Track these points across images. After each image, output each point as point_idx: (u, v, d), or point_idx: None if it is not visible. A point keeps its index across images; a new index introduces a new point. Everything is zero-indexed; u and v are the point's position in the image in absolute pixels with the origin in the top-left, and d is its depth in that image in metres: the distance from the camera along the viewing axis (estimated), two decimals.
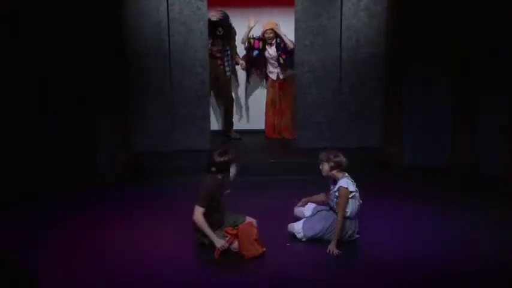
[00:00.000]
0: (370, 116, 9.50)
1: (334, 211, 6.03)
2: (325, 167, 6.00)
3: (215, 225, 5.87)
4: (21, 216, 6.88)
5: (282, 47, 10.03)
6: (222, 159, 5.86)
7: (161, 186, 8.23)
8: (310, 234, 6.02)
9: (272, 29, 10.01)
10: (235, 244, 5.74)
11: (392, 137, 9.41)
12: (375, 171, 9.02)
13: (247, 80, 10.66)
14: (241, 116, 11.05)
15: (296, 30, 9.40)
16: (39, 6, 8.09)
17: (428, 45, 9.10)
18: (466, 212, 6.98)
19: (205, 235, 5.80)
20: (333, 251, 5.75)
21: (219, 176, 5.90)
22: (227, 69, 10.13)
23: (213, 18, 9.69)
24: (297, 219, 6.39)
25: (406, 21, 9.06)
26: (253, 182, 7.90)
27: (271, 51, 10.15)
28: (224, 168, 5.87)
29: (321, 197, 6.54)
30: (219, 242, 5.67)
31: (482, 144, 8.84)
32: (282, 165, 8.94)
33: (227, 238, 5.75)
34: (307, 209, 6.50)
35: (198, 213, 5.75)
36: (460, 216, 6.82)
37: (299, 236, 6.09)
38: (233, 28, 10.22)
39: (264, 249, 5.71)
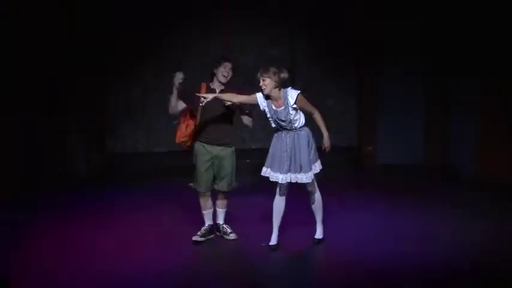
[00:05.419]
0: (345, 115, 9.54)
1: (285, 129, 5.66)
2: (270, 84, 5.40)
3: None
4: None
5: None
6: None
7: (135, 188, 8.14)
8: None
9: None
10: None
11: (368, 136, 9.45)
12: (350, 170, 9.05)
13: None
14: None
15: None
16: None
17: (405, 47, 9.19)
18: (440, 210, 7.03)
19: None
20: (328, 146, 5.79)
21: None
22: None
23: None
24: None
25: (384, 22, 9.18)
26: None
27: None
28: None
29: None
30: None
31: (456, 144, 8.92)
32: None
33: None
34: None
35: None
36: (435, 214, 6.85)
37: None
38: None
39: None
